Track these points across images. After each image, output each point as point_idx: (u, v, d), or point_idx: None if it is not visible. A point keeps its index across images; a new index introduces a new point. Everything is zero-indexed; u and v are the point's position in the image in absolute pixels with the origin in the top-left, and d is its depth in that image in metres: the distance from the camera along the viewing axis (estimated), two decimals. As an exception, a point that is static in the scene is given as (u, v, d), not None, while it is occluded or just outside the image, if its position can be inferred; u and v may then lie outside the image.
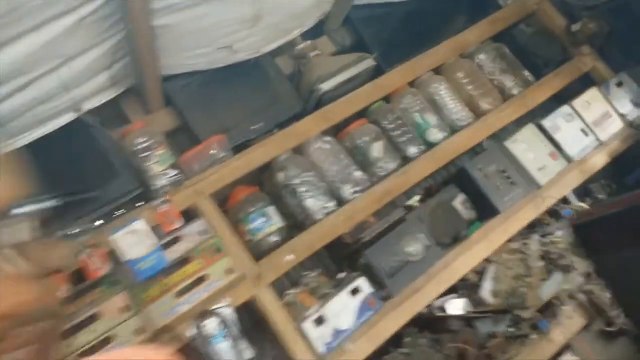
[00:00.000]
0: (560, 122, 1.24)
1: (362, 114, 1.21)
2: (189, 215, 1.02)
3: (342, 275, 1.03)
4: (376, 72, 1.28)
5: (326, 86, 1.13)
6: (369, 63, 1.20)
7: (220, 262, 0.95)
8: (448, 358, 0.97)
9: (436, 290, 1.01)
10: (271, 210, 1.08)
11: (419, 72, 1.28)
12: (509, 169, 1.15)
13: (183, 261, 0.95)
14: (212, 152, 1.06)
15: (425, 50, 1.30)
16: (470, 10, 1.48)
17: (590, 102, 1.32)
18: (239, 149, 1.11)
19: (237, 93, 1.19)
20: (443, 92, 1.28)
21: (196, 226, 0.98)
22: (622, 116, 1.33)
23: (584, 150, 1.24)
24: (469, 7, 1.46)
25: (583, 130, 1.26)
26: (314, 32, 1.35)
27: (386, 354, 1.02)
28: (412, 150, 1.19)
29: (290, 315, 0.97)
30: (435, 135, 1.22)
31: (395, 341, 1.04)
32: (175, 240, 0.96)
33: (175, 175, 1.04)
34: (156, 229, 0.96)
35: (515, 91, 1.33)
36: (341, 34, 1.36)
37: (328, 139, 1.14)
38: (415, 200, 1.18)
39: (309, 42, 1.27)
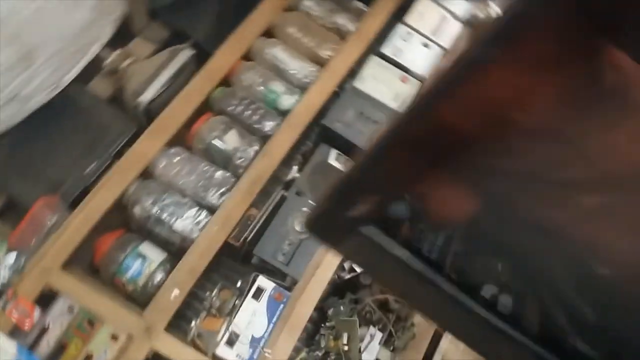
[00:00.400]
0: (400, 44, 1.23)
1: (203, 109, 1.11)
2: (50, 297, 0.89)
3: (240, 282, 0.97)
4: (205, 58, 1.17)
5: (147, 96, 1.01)
6: (187, 52, 1.08)
7: (100, 333, 0.84)
8: (370, 314, 0.97)
9: (337, 256, 0.99)
10: (144, 247, 0.98)
11: (249, 42, 1.19)
12: (366, 108, 1.13)
13: (59, 350, 0.84)
14: (44, 217, 0.92)
15: (246, 17, 1.20)
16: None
17: (423, 12, 1.31)
18: (80, 200, 0.98)
19: (56, 139, 1.03)
20: (280, 55, 1.20)
21: (59, 307, 0.86)
22: (457, 17, 1.34)
23: (430, 62, 1.24)
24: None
25: (424, 44, 1.26)
26: (124, 38, 1.20)
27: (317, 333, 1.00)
28: (269, 126, 1.12)
29: (203, 347, 0.90)
30: (287, 101, 1.15)
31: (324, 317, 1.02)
32: (42, 333, 0.84)
33: (14, 261, 0.89)
34: (15, 332, 0.83)
35: (351, 27, 1.29)
36: (154, 30, 1.22)
37: (174, 150, 1.03)
38: (295, 172, 1.13)
39: (117, 52, 1.12)
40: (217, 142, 1.07)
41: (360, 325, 0.90)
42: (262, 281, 0.95)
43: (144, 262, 0.97)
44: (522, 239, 0.47)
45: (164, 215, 0.98)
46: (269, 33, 1.23)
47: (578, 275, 0.41)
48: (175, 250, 1.00)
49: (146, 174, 1.02)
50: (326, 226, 0.37)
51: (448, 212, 0.49)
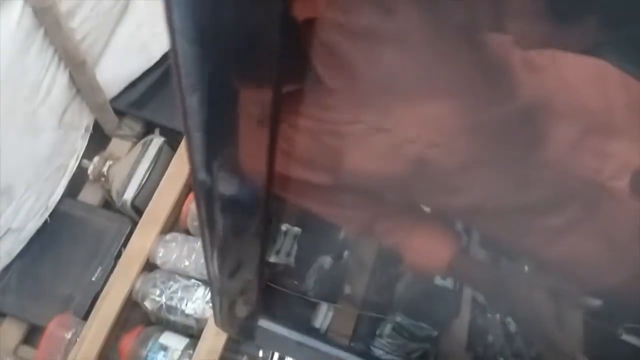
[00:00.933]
0: None
1: (189, 187, 1.13)
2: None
3: (261, 352, 0.96)
4: (180, 138, 1.21)
5: (129, 193, 1.05)
6: (157, 141, 1.12)
7: None
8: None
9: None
10: (165, 337, 0.98)
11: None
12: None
13: None
14: (61, 334, 0.94)
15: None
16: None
17: None
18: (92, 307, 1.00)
19: (60, 256, 1.07)
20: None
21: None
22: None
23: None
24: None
25: None
26: (102, 142, 1.26)
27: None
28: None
29: None
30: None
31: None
32: None
33: (43, 385, 0.92)
34: None
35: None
36: (126, 127, 1.28)
37: (169, 236, 1.05)
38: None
39: (97, 159, 1.17)
40: (208, 216, 1.09)
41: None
42: (283, 342, 0.93)
43: (167, 353, 0.97)
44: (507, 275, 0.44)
45: (174, 302, 0.99)
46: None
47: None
48: (195, 332, 1.01)
49: (149, 266, 1.04)
50: (233, 325, 0.36)
51: (427, 260, 0.47)
